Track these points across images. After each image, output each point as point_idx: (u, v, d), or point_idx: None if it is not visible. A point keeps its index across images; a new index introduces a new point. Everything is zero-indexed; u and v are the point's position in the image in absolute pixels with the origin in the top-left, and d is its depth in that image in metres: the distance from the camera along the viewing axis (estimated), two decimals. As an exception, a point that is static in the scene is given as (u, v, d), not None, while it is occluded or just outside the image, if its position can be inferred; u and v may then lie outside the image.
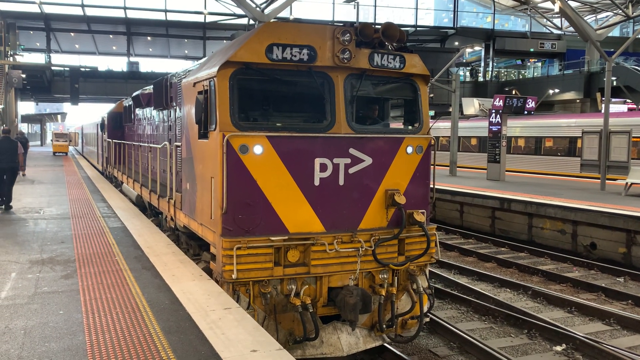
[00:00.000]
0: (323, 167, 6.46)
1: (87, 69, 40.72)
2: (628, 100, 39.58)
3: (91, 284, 6.24)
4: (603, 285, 11.35)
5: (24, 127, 60.81)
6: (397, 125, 7.72)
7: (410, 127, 7.39)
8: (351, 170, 6.60)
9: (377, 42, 6.64)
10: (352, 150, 6.59)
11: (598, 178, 19.75)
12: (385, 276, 6.90)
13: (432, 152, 7.30)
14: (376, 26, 6.64)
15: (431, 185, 7.33)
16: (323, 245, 6.38)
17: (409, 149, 7.00)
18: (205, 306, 5.42)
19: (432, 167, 7.32)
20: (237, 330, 4.76)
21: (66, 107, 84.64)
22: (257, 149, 6.20)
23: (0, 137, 12.70)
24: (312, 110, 6.92)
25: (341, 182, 6.56)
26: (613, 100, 26.49)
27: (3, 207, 12.32)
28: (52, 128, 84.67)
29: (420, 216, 6.90)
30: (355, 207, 6.68)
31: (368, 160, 6.69)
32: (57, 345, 4.49)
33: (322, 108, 6.63)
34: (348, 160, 6.58)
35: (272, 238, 6.20)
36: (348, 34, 6.46)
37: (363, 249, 6.58)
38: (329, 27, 6.50)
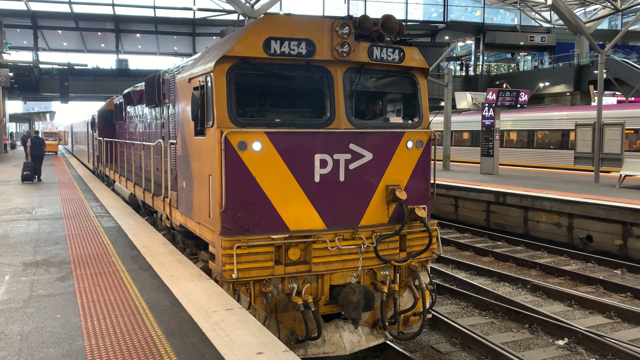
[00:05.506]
0: (323, 163, 6.34)
1: (76, 67, 40.28)
2: (617, 93, 39.80)
3: (88, 286, 6.09)
4: (601, 277, 11.33)
5: (12, 127, 60.03)
6: (395, 119, 7.61)
7: (410, 122, 7.28)
8: (351, 166, 6.49)
9: (376, 35, 6.51)
10: (352, 146, 6.47)
11: (591, 171, 19.77)
12: (387, 273, 6.81)
13: (433, 146, 7.20)
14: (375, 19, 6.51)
15: (432, 181, 7.24)
16: (324, 243, 6.26)
17: (409, 144, 6.90)
18: (207, 307, 5.30)
19: (432, 161, 7.22)
20: (241, 332, 4.64)
21: (55, 105, 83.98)
22: (256, 146, 6.06)
23: (33, 135, 22.11)
24: (311, 105, 6.80)
25: (342, 178, 6.44)
26: (604, 92, 26.54)
27: (36, 179, 19.07)
28: (41, 127, 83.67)
29: (421, 212, 6.80)
30: (356, 204, 6.56)
31: (368, 156, 6.58)
32: (55, 350, 4.35)
33: (322, 103, 6.50)
34: (348, 156, 6.46)
35: (273, 236, 6.07)
36: (347, 27, 6.33)
37: (365, 246, 6.47)
38: (328, 20, 6.36)
